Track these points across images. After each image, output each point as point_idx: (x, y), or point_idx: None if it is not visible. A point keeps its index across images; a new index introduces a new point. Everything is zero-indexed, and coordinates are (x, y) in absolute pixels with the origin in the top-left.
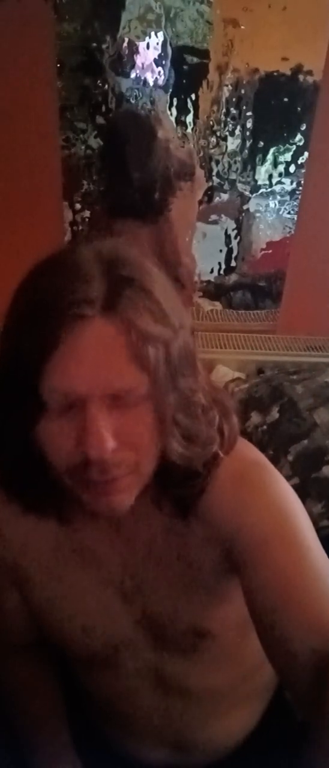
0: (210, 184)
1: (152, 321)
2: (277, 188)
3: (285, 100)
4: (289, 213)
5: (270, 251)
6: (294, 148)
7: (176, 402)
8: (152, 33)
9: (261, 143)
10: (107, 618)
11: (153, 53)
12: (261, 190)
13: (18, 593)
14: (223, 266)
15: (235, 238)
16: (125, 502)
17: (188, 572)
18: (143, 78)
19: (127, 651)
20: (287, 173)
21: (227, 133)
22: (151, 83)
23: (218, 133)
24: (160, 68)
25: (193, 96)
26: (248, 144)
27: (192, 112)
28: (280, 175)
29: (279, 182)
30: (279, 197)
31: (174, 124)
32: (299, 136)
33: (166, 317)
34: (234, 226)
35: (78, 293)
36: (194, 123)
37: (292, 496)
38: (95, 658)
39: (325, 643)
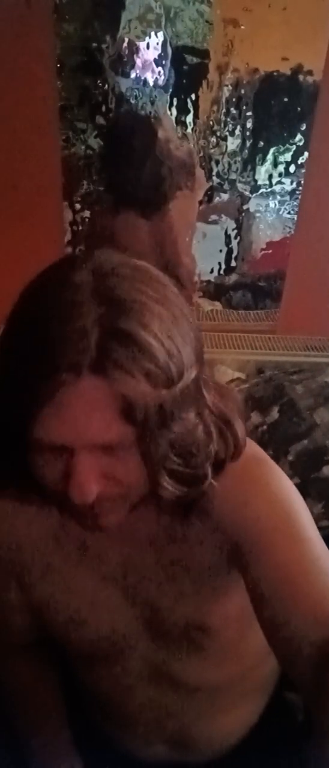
0: (210, 184)
1: (145, 381)
2: (277, 188)
3: (285, 100)
4: (289, 213)
5: (270, 251)
6: (294, 148)
7: (168, 443)
8: (152, 33)
9: (261, 143)
10: (107, 614)
11: (153, 53)
12: (261, 190)
13: (18, 590)
14: (223, 266)
15: (235, 238)
16: (113, 522)
17: (188, 568)
18: (143, 78)
19: (127, 647)
20: (287, 173)
21: (227, 133)
22: (151, 83)
23: (218, 133)
24: (160, 68)
25: (193, 96)
26: (248, 144)
27: (192, 112)
28: (280, 175)
29: (279, 182)
30: (279, 197)
31: (174, 124)
32: (299, 136)
33: (163, 373)
34: (234, 226)
35: (67, 356)
36: (194, 123)
37: (293, 490)
38: (95, 655)
39: (325, 634)
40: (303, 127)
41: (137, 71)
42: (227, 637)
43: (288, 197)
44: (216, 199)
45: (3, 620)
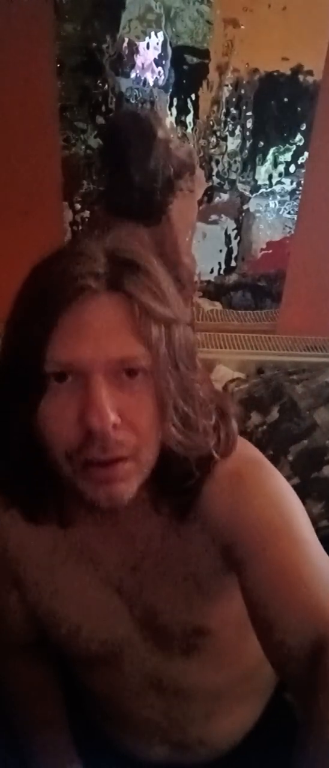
0: (210, 184)
1: (154, 300)
2: (277, 188)
3: (285, 100)
4: (289, 213)
5: (270, 251)
6: (294, 148)
7: (176, 387)
8: (152, 33)
9: (261, 143)
10: (106, 618)
11: (153, 53)
12: (261, 190)
13: (17, 593)
14: (223, 266)
15: (235, 238)
16: (125, 493)
17: (186, 571)
18: (143, 78)
19: (126, 650)
20: (287, 173)
21: (227, 133)
22: (151, 83)
23: (218, 133)
24: (160, 68)
25: (193, 96)
26: (248, 144)
27: (192, 112)
28: (280, 175)
29: (279, 182)
30: (279, 197)
31: (174, 124)
32: (299, 136)
33: (167, 300)
34: (234, 226)
35: (84, 267)
36: (194, 123)
37: (289, 492)
38: (94, 658)
39: (319, 634)
40: (303, 127)
41: (137, 71)
42: (226, 639)
43: (288, 197)
44: (216, 199)
45: (3, 621)
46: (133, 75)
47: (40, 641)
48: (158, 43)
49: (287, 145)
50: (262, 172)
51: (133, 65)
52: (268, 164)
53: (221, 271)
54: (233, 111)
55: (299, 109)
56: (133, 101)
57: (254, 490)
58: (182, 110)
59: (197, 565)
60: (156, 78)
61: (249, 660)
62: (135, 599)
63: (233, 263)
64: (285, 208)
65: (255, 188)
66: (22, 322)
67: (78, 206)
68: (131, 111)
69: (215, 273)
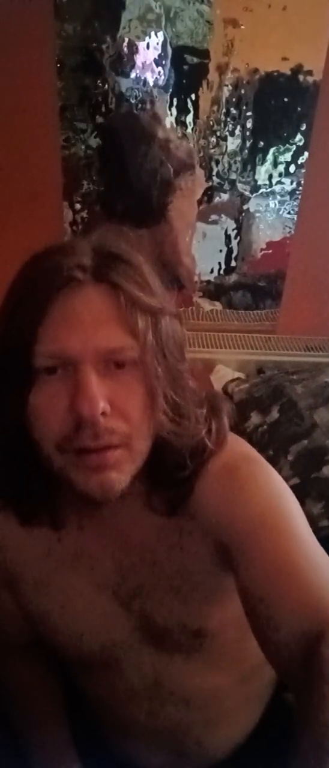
0: (210, 184)
1: (139, 290)
2: (277, 188)
3: (285, 100)
4: (289, 213)
5: (270, 251)
6: (294, 148)
7: (164, 376)
8: (152, 33)
9: (261, 143)
10: (103, 622)
11: (153, 53)
12: (261, 190)
13: (13, 597)
14: (223, 266)
15: (235, 238)
16: (117, 482)
17: (183, 572)
18: (143, 78)
19: (124, 654)
20: (287, 173)
21: (227, 133)
22: (151, 83)
23: (218, 133)
24: (160, 68)
25: (193, 96)
26: (248, 144)
27: (192, 112)
28: (280, 175)
29: (279, 182)
30: (279, 197)
31: (174, 124)
32: (299, 136)
33: (152, 291)
34: (234, 226)
35: (71, 260)
36: (194, 123)
37: (283, 487)
38: (92, 663)
39: (314, 628)
40: (303, 127)
41: (137, 71)
42: (226, 641)
43: (288, 197)
44: (216, 199)
45: (1, 624)
46: (133, 75)
47: (39, 642)
48: (158, 43)
49: (287, 145)
50: (262, 172)
51: (133, 65)
52: (268, 164)
53: (221, 271)
54: (233, 111)
55: (299, 109)
56: (133, 101)
57: (247, 486)
58: (182, 110)
59: (193, 564)
60: (156, 78)
61: (249, 662)
62: (132, 602)
63: (233, 263)
64: (285, 208)
65: (255, 188)
66: (10, 319)
67: (78, 206)
68: (131, 111)
69: (215, 273)
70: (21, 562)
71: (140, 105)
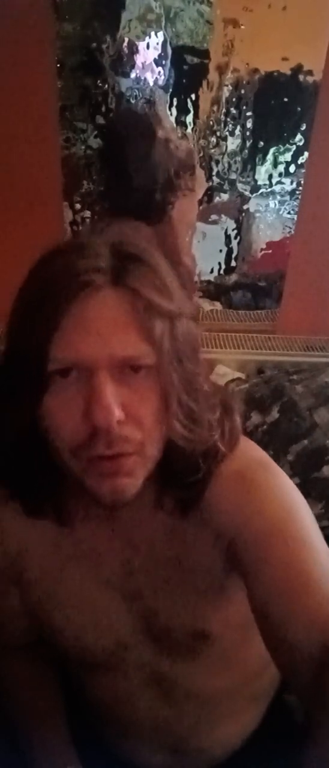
0: (210, 184)
1: (158, 294)
2: (277, 188)
3: (285, 100)
4: (289, 213)
5: (270, 251)
6: (294, 148)
7: (179, 382)
8: (152, 33)
9: (261, 143)
10: (107, 620)
11: (153, 53)
12: (261, 190)
13: (18, 592)
14: (223, 266)
15: (235, 238)
16: (129, 487)
17: (189, 573)
18: (143, 78)
19: (126, 653)
20: (287, 173)
21: (227, 133)
22: (151, 83)
23: (218, 133)
24: (160, 68)
25: (193, 96)
26: (248, 144)
27: (192, 112)
28: (280, 175)
29: (279, 182)
30: (279, 197)
31: (174, 124)
32: (299, 136)
33: (171, 294)
34: (234, 226)
35: (88, 263)
36: (194, 123)
37: (295, 492)
38: (94, 660)
39: (325, 636)
40: (303, 127)
41: (137, 71)
42: (229, 643)
43: (288, 197)
44: (216, 199)
45: (2, 621)
46: (133, 75)
47: (39, 642)
48: (158, 43)
49: (287, 145)
50: (262, 172)
51: (133, 65)
52: (268, 164)
53: (221, 271)
54: (233, 111)
55: (299, 109)
56: (133, 101)
57: (260, 491)
58: (182, 110)
59: (200, 567)
60: (156, 78)
61: (251, 665)
62: (136, 601)
63: (233, 263)
64: (285, 208)
65: (255, 188)
66: (25, 320)
67: (78, 206)
68: (131, 111)
69: (215, 273)
70: (28, 554)
71: (140, 104)
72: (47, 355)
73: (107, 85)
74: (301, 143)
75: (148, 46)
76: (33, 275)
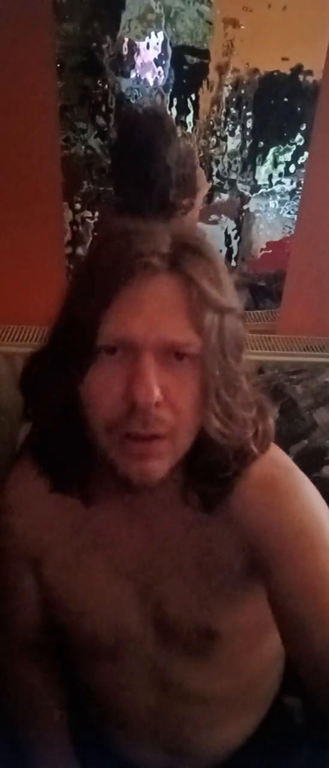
0: (210, 184)
1: (212, 286)
2: (277, 188)
3: (285, 100)
4: (289, 213)
5: (270, 251)
6: (294, 148)
7: (221, 376)
8: (152, 33)
9: (261, 143)
10: (116, 607)
11: (153, 53)
12: (261, 190)
13: (32, 577)
14: None
15: (235, 238)
16: (157, 471)
17: (207, 570)
18: (143, 78)
19: (132, 645)
20: (287, 173)
21: (227, 133)
22: (151, 83)
23: (218, 133)
24: (160, 68)
25: (193, 96)
26: (248, 144)
27: (192, 112)
28: (280, 175)
29: (279, 182)
30: (279, 197)
31: (174, 124)
32: (299, 136)
33: (224, 289)
34: (234, 226)
35: (150, 245)
36: (194, 123)
37: (320, 500)
38: (99, 649)
39: None
40: (303, 127)
41: (137, 71)
42: (236, 647)
43: (288, 197)
44: (216, 199)
45: (13, 610)
46: (133, 75)
47: (44, 644)
48: (158, 43)
49: (287, 145)
50: (262, 172)
51: (133, 65)
52: (268, 164)
53: None
54: (233, 111)
55: (299, 109)
56: (133, 101)
57: (287, 496)
58: (182, 110)
59: (219, 565)
60: (156, 78)
61: (255, 670)
62: (148, 592)
63: (233, 263)
64: (285, 208)
65: (255, 188)
66: (80, 294)
67: (78, 206)
68: (156, 109)
69: None
70: (47, 534)
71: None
72: (98, 330)
73: (107, 85)
74: (301, 143)
75: (148, 46)
76: (93, 251)
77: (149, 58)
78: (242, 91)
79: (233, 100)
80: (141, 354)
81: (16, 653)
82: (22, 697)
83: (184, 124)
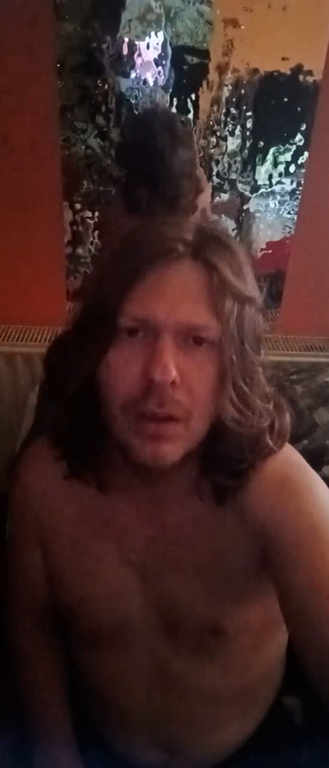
0: (210, 184)
1: (233, 274)
2: (277, 188)
3: (285, 100)
4: (289, 213)
5: (270, 251)
6: (294, 148)
7: (238, 364)
8: (152, 33)
9: (261, 143)
10: (121, 595)
11: (153, 53)
12: (261, 190)
13: (43, 555)
14: None
15: (235, 238)
16: (170, 455)
17: (216, 564)
18: (143, 78)
19: (135, 636)
20: (287, 173)
21: (227, 133)
22: (151, 83)
23: (218, 133)
24: (160, 68)
25: (193, 96)
26: (248, 144)
27: (192, 112)
28: (280, 175)
29: (279, 182)
30: (279, 197)
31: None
32: (299, 136)
33: (244, 279)
34: (234, 226)
35: (173, 232)
36: (194, 123)
37: None
38: (101, 636)
39: None
40: (303, 127)
41: (137, 71)
42: (240, 647)
43: (288, 197)
44: (216, 199)
45: (23, 586)
46: (133, 75)
47: (53, 623)
48: (158, 43)
49: (287, 145)
50: (262, 172)
51: (133, 65)
52: (268, 164)
53: None
54: (233, 111)
55: (299, 109)
56: (133, 101)
57: (300, 494)
58: (182, 110)
59: (228, 558)
60: (156, 78)
61: (257, 670)
62: (155, 582)
63: None
64: (285, 208)
65: (255, 188)
66: (105, 275)
67: (78, 206)
68: (165, 108)
69: None
70: (57, 515)
71: (139, 105)
72: (120, 311)
73: (107, 85)
74: (301, 143)
75: (148, 46)
76: (122, 239)
77: (149, 58)
78: (242, 91)
79: (233, 100)
80: (160, 335)
81: (27, 627)
82: (29, 671)
83: (184, 124)
